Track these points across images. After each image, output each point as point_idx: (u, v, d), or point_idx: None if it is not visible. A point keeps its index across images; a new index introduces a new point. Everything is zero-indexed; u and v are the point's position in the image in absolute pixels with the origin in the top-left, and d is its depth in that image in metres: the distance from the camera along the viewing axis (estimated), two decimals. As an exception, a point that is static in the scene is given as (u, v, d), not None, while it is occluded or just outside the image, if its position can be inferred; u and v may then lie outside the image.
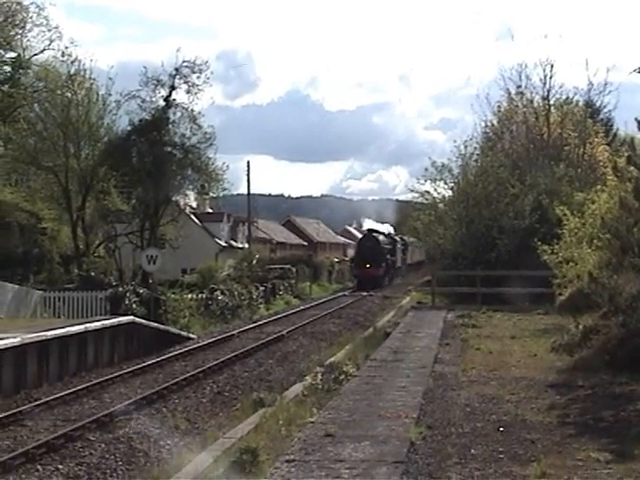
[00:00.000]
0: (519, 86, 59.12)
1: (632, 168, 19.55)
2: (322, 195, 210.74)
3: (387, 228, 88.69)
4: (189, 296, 37.72)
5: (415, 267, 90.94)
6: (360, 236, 79.29)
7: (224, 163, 45.16)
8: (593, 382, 17.21)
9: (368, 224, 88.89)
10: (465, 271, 43.89)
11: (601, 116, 62.47)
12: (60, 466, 13.63)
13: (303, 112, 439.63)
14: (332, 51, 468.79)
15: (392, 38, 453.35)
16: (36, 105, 47.66)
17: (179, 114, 43.61)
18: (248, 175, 63.49)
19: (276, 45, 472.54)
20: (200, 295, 39.74)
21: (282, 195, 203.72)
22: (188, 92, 43.28)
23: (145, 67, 43.12)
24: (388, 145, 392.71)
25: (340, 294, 58.95)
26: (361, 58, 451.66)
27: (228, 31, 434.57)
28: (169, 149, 43.08)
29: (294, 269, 61.04)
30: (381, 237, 72.67)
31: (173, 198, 44.98)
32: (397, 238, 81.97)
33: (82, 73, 46.54)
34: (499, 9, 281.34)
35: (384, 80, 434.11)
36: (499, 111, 61.67)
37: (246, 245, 65.67)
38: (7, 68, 47.10)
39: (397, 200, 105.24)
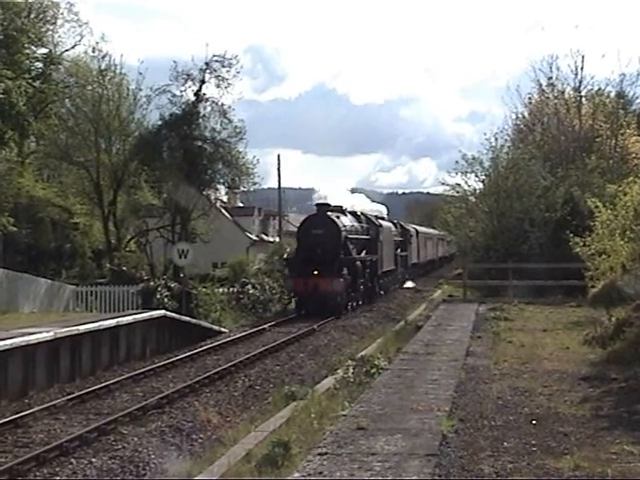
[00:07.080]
0: (550, 77, 58.81)
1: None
2: (352, 189, 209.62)
3: (363, 203, 48.44)
4: (220, 290, 37.76)
5: (426, 267, 74.04)
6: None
7: (254, 157, 45.21)
8: (626, 375, 17.06)
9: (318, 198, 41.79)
10: (497, 264, 43.70)
11: (633, 107, 61.87)
12: (93, 459, 13.70)
13: (330, 106, 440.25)
14: (358, 45, 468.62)
15: (419, 31, 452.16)
16: (67, 101, 47.99)
17: (209, 108, 43.69)
18: (279, 169, 63.43)
19: (303, 39, 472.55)
20: (231, 289, 39.77)
21: (312, 189, 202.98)
22: (218, 86, 43.33)
23: (175, 62, 43.27)
24: (416, 137, 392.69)
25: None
26: (388, 52, 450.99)
27: (255, 25, 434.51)
28: (200, 143, 43.12)
29: (325, 262, 60.29)
30: (345, 219, 39.05)
31: (204, 192, 45.05)
32: (386, 223, 49.04)
33: (112, 68, 47.04)
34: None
35: (411, 73, 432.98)
36: (530, 103, 61.41)
37: (277, 239, 65.52)
38: (38, 64, 47.28)
39: (427, 193, 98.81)
